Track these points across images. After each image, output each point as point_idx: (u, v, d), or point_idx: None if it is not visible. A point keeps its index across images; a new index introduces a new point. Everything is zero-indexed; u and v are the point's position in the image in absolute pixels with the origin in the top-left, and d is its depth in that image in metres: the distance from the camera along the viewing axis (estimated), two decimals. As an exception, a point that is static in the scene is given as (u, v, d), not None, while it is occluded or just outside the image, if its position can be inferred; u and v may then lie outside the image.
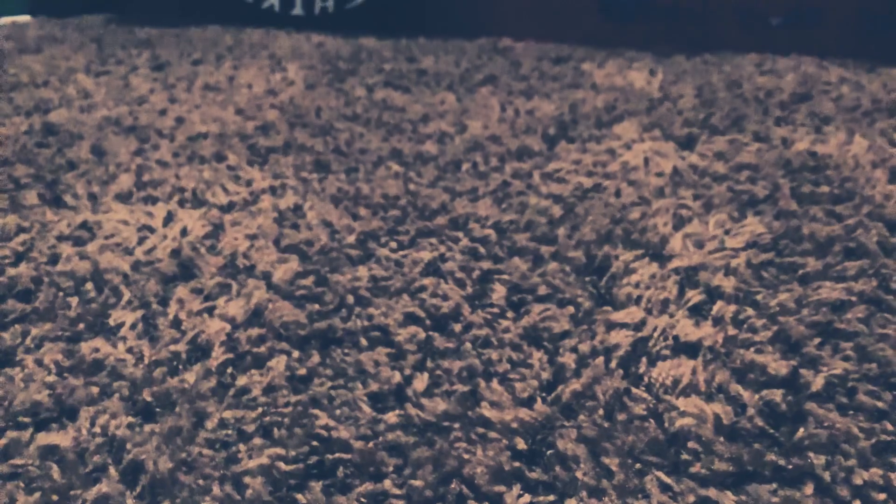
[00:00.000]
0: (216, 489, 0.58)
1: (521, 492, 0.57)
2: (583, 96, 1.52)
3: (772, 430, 0.62)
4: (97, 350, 0.69)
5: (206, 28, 2.10)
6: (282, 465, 0.59)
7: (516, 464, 0.59)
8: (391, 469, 0.59)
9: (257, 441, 0.62)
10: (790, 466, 0.59)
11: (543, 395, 0.66)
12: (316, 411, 0.64)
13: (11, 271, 0.81)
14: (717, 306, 0.75)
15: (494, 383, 0.67)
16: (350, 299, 0.79)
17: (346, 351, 0.71)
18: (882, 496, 0.57)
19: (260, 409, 0.64)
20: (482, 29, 2.20)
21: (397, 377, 0.68)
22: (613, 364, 0.68)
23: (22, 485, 0.59)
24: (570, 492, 0.57)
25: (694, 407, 0.63)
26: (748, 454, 0.60)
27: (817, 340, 0.70)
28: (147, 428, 0.63)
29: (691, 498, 0.57)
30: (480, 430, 0.62)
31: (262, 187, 1.05)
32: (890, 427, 0.62)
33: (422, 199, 1.03)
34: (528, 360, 0.70)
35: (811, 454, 0.60)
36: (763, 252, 0.86)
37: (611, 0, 2.07)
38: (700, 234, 0.91)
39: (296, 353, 0.70)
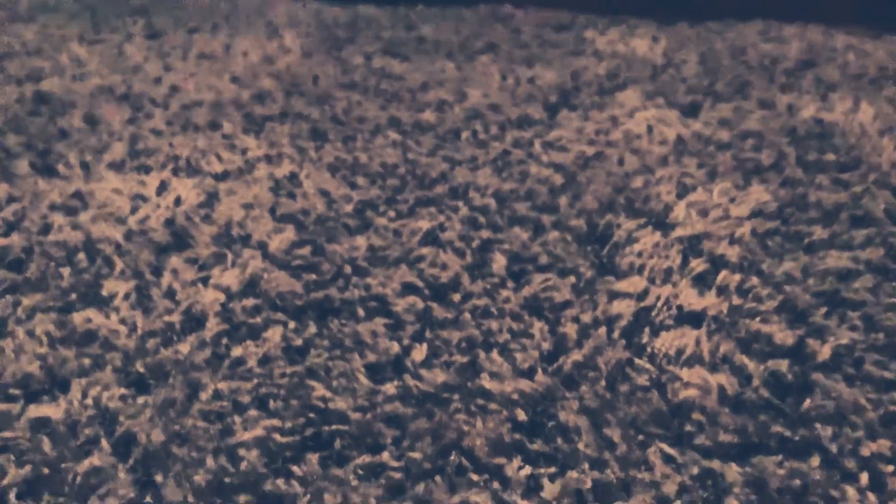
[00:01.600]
0: (210, 461, 0.56)
1: (522, 464, 0.56)
2: (585, 64, 1.49)
3: (777, 401, 0.61)
4: (89, 321, 0.68)
5: (201, -4, 2.06)
6: (278, 436, 0.58)
7: (517, 435, 0.58)
8: (389, 441, 0.58)
9: (252, 413, 0.61)
10: (796, 438, 0.58)
11: (544, 365, 0.65)
12: (312, 382, 0.63)
13: (3, 241, 0.80)
14: (722, 275, 0.74)
15: (494, 354, 0.66)
16: (347, 269, 0.78)
17: (343, 321, 0.70)
18: (890, 468, 0.56)
19: (255, 381, 0.63)
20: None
21: (395, 348, 0.67)
22: (616, 334, 0.66)
23: (13, 458, 0.57)
24: (572, 463, 0.56)
25: (698, 378, 0.62)
26: (753, 425, 0.59)
27: (824, 310, 0.69)
28: (140, 400, 0.62)
29: (695, 470, 0.55)
30: (480, 401, 0.61)
31: (257, 156, 1.03)
32: (898, 398, 0.61)
33: (421, 168, 1.01)
34: (529, 330, 0.69)
35: (818, 425, 0.59)
36: (768, 220, 0.85)
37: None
38: (704, 203, 0.89)
39: (292, 324, 0.69)
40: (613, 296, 0.71)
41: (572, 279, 0.75)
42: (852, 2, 1.85)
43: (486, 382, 0.62)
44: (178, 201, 0.89)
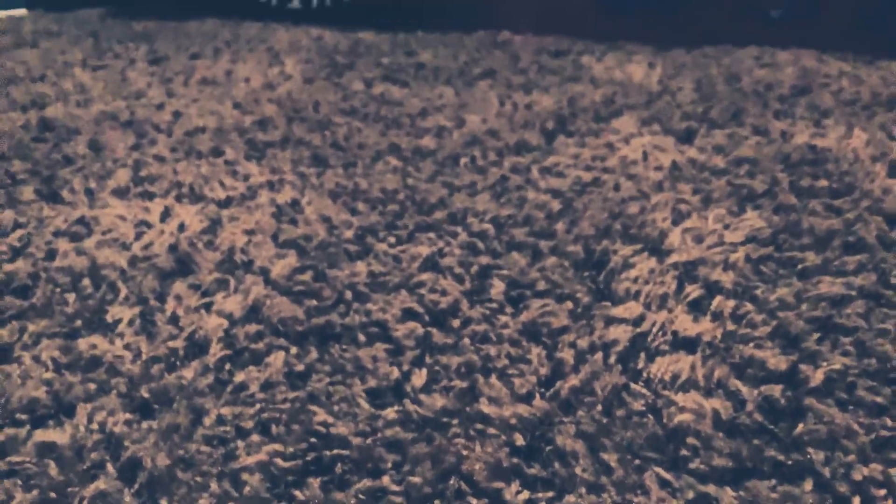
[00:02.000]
0: (214, 486, 0.57)
1: (520, 488, 0.57)
2: (582, 90, 1.51)
3: (771, 426, 0.62)
4: (94, 346, 0.69)
5: (203, 22, 2.09)
6: (280, 461, 0.59)
7: (515, 460, 0.59)
8: (390, 465, 0.59)
9: (255, 438, 0.62)
10: (790, 462, 0.59)
11: (542, 390, 0.66)
12: (314, 407, 0.64)
13: (8, 267, 0.81)
14: (716, 301, 0.75)
15: (493, 379, 0.67)
16: (348, 295, 0.79)
17: (344, 347, 0.71)
18: (882, 492, 0.57)
19: (258, 406, 0.64)
20: (481, 22, 2.20)
21: (395, 373, 0.68)
22: (612, 359, 0.68)
23: (19, 482, 0.58)
24: (569, 488, 0.57)
25: (693, 402, 0.63)
26: (747, 450, 0.60)
27: (816, 335, 0.70)
28: (145, 425, 0.63)
29: (690, 494, 0.56)
30: (479, 426, 0.62)
31: (259, 182, 1.05)
32: (890, 423, 0.62)
33: (420, 194, 1.03)
34: (527, 355, 0.70)
35: (811, 450, 0.60)
36: (762, 247, 0.86)
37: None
38: (699, 229, 0.90)
39: (294, 349, 0.70)
40: (610, 321, 0.73)
41: (569, 305, 0.76)
42: (846, 28, 1.88)
43: (485, 407, 0.63)
44: (181, 227, 0.90)
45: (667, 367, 0.66)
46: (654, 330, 0.71)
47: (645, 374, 0.66)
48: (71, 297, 0.76)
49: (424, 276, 0.82)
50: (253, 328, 0.72)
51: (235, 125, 1.27)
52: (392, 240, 0.91)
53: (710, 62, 1.70)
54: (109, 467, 0.59)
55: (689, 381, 0.65)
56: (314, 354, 0.70)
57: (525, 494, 0.56)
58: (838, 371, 0.65)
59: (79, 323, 0.72)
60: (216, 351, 0.69)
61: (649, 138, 1.22)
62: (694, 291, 0.77)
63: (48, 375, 0.65)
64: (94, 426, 0.63)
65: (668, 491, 0.57)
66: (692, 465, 0.59)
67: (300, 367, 0.68)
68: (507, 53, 1.87)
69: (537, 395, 0.65)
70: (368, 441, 0.61)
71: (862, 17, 1.87)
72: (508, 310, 0.77)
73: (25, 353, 0.68)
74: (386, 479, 0.57)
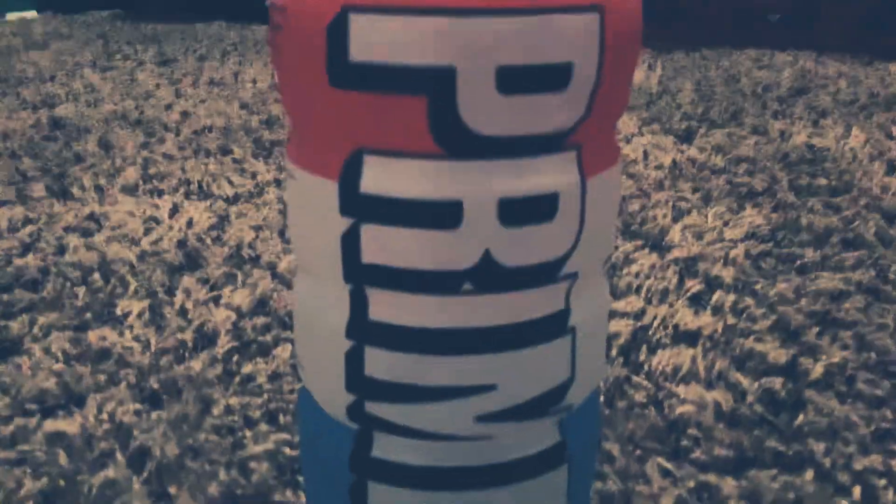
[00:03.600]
0: (222, 474, 0.59)
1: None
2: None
3: (771, 417, 0.63)
4: (104, 338, 0.70)
5: (211, 24, 2.11)
6: (287, 450, 0.60)
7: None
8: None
9: (263, 427, 0.63)
10: (790, 452, 0.60)
11: (545, 383, 0.67)
12: (321, 399, 0.65)
13: (19, 261, 0.82)
14: (717, 296, 0.76)
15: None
16: (354, 290, 0.80)
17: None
18: (882, 482, 0.58)
19: (265, 396, 0.65)
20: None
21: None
22: (614, 352, 0.69)
23: (29, 470, 0.60)
24: (572, 477, 0.58)
25: (694, 394, 0.64)
26: (748, 440, 0.61)
27: (816, 329, 0.71)
28: (154, 415, 0.64)
29: (692, 483, 0.57)
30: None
31: (266, 179, 1.06)
32: (889, 415, 0.63)
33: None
34: (530, 349, 0.71)
35: (811, 440, 0.61)
36: (761, 243, 0.87)
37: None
38: (699, 226, 0.91)
39: (295, 348, 0.71)
40: (612, 315, 0.74)
41: (572, 300, 0.77)
42: (844, 30, 1.89)
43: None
44: (190, 223, 0.91)
45: (668, 360, 0.67)
46: (656, 324, 0.72)
47: (646, 367, 0.67)
48: (81, 290, 0.77)
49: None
50: (260, 321, 0.73)
51: (243, 125, 1.28)
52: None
53: (709, 64, 1.71)
54: (118, 456, 0.61)
55: (690, 374, 0.66)
56: (321, 347, 0.71)
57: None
58: (838, 364, 0.66)
59: (88, 315, 0.73)
60: (224, 343, 0.70)
61: (650, 138, 1.23)
62: (694, 286, 0.78)
63: (58, 367, 0.66)
64: (104, 416, 0.64)
65: (670, 480, 0.58)
66: (693, 455, 0.60)
67: (307, 360, 0.69)
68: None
69: (540, 388, 0.66)
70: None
71: (859, 19, 1.88)
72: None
73: (36, 344, 0.69)
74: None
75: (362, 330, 0.39)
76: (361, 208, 0.36)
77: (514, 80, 0.32)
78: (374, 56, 0.32)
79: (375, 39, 0.32)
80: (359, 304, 0.39)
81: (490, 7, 0.31)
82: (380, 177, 0.35)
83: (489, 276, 0.36)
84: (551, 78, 0.33)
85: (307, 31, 0.34)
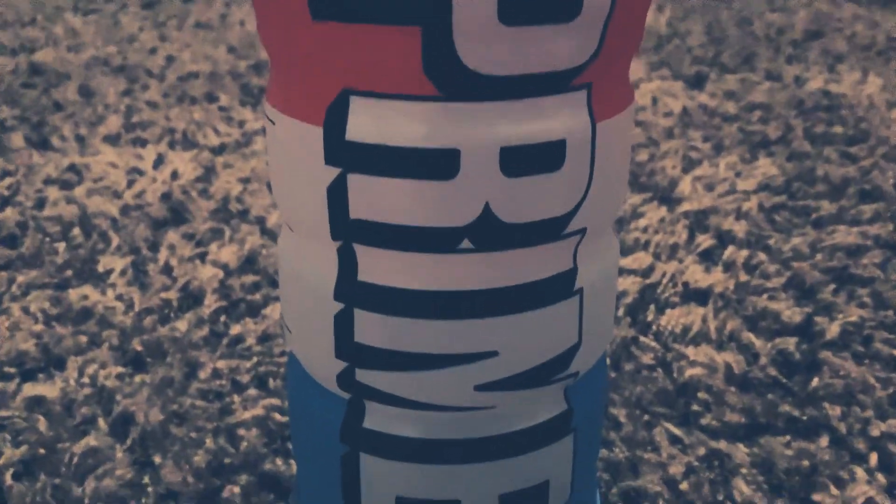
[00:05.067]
0: (209, 441, 0.56)
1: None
2: (588, 35, 1.47)
3: (785, 380, 0.60)
4: (85, 297, 0.66)
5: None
6: (277, 416, 0.57)
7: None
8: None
9: (252, 392, 0.60)
10: (804, 417, 0.57)
11: (548, 343, 0.64)
12: (312, 360, 0.62)
13: (-5, 216, 0.78)
14: (728, 251, 0.72)
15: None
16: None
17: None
18: (899, 448, 0.55)
19: (255, 359, 0.62)
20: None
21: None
22: (620, 312, 0.65)
23: (8, 437, 0.57)
24: (576, 443, 0.55)
25: (704, 356, 0.61)
26: (761, 405, 0.58)
27: (832, 286, 0.67)
28: (137, 378, 0.61)
29: (702, 450, 0.55)
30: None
31: (254, 128, 1.01)
32: (908, 376, 0.60)
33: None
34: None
35: (826, 405, 0.58)
36: (775, 195, 0.83)
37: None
38: (710, 177, 0.87)
39: (281, 308, 0.68)
40: (619, 273, 0.70)
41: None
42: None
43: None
44: (174, 175, 0.87)
45: (677, 320, 0.64)
46: (664, 281, 0.68)
47: (654, 327, 0.64)
48: (61, 246, 0.73)
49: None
50: (249, 279, 0.69)
51: (230, 70, 1.23)
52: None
53: (720, 5, 1.65)
54: (101, 422, 0.58)
55: (700, 334, 0.62)
56: (312, 306, 0.68)
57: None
58: (854, 323, 0.63)
59: (69, 273, 0.70)
60: (211, 302, 0.66)
61: (658, 83, 1.18)
62: (705, 241, 0.74)
63: (38, 328, 0.63)
64: (85, 380, 0.61)
65: (679, 448, 0.55)
66: (703, 421, 0.57)
67: (298, 319, 0.66)
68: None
69: (543, 348, 0.63)
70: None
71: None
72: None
73: (14, 304, 0.66)
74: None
75: (351, 291, 0.35)
76: (348, 157, 0.32)
77: (518, 6, 0.28)
78: (359, -18, 0.28)
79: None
80: (348, 264, 0.35)
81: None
82: (368, 121, 0.31)
83: (489, 232, 0.33)
84: (560, 5, 0.29)
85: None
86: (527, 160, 0.32)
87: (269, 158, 0.37)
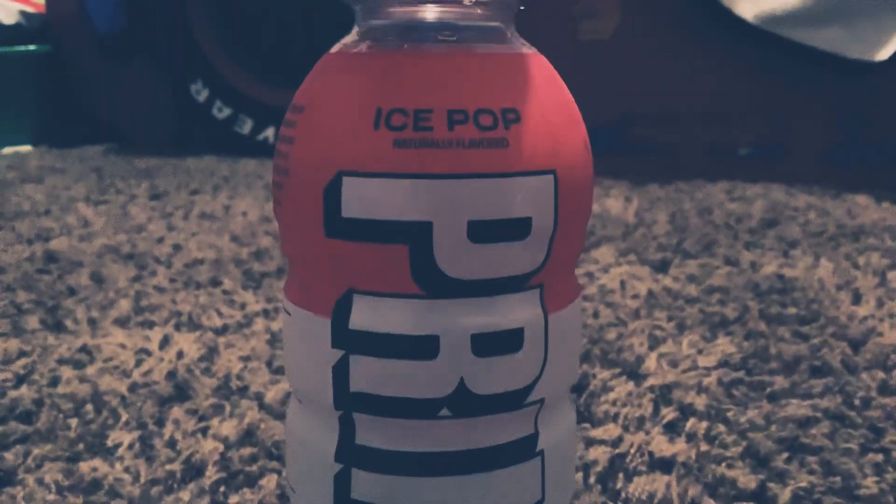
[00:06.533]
0: None
1: None
2: (562, 223, 1.59)
3: (744, 543, 0.65)
4: (95, 469, 0.72)
5: (202, 158, 2.20)
6: (273, 580, 0.61)
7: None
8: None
9: (249, 557, 0.64)
10: (762, 577, 0.61)
11: (525, 510, 0.69)
12: (306, 528, 0.66)
13: (13, 393, 0.84)
14: (690, 423, 0.79)
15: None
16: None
17: (335, 469, 0.74)
18: None
19: (252, 526, 0.67)
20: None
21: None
22: (592, 479, 0.71)
23: None
24: None
25: (669, 520, 0.66)
26: (722, 566, 0.62)
27: (785, 455, 0.73)
28: (142, 546, 0.65)
29: None
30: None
31: (255, 310, 1.09)
32: (856, 538, 0.65)
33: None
34: (511, 476, 0.73)
35: (782, 565, 0.62)
36: (733, 371, 0.91)
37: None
38: (674, 354, 0.95)
39: (286, 473, 0.73)
40: (590, 442, 0.76)
41: (551, 427, 0.80)
42: (812, 163, 1.99)
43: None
44: (180, 355, 0.94)
45: (644, 487, 0.69)
46: (632, 451, 0.74)
47: (623, 494, 0.69)
48: (73, 422, 0.79)
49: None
50: (247, 451, 0.75)
51: (233, 257, 1.33)
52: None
53: (683, 196, 1.79)
54: (106, 588, 0.61)
55: (664, 501, 0.68)
56: (307, 476, 0.72)
57: None
58: (805, 489, 0.69)
59: (81, 447, 0.75)
60: (212, 473, 0.71)
61: (627, 268, 1.28)
62: (669, 414, 0.81)
63: (51, 497, 0.68)
64: (93, 548, 0.65)
65: None
66: (670, 581, 0.61)
67: (293, 489, 0.71)
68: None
69: (521, 515, 0.68)
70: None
71: (826, 153, 1.99)
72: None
73: (29, 475, 0.70)
74: None
75: (350, 453, 0.43)
76: (351, 341, 0.41)
77: (482, 231, 0.38)
78: (363, 213, 0.38)
79: (364, 199, 0.38)
80: (347, 430, 0.43)
81: (461, 172, 0.37)
82: (367, 314, 0.40)
83: (464, 402, 0.41)
84: (514, 229, 0.39)
85: (307, 191, 0.40)
86: (493, 344, 0.41)
87: (284, 342, 0.46)
